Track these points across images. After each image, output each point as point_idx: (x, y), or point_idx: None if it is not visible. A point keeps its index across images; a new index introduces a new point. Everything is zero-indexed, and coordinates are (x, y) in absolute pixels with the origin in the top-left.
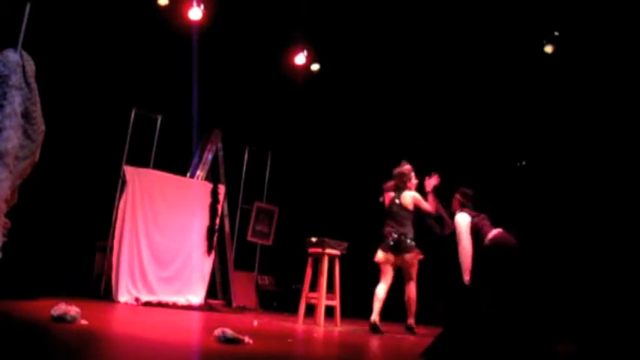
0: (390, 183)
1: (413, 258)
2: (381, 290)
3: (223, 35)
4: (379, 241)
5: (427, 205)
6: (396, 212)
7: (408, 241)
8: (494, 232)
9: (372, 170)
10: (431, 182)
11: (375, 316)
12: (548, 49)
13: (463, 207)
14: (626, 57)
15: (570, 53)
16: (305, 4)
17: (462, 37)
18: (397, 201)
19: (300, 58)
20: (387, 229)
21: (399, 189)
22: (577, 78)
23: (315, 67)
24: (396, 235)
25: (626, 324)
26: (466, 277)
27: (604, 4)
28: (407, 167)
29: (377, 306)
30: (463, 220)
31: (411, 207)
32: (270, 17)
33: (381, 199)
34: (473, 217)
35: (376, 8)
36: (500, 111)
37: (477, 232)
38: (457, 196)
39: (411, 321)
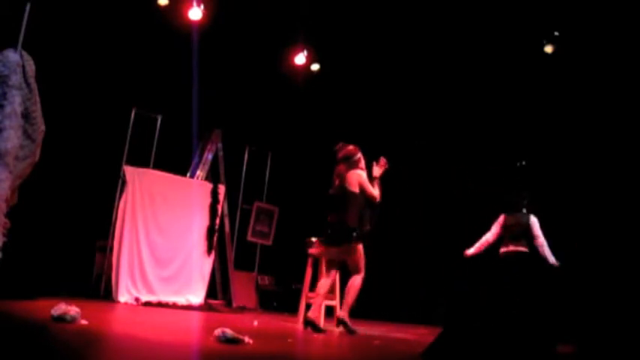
0: (338, 169)
1: (354, 249)
2: (321, 286)
3: (223, 35)
4: (379, 241)
5: (374, 191)
6: (338, 196)
7: (351, 229)
8: None
9: (371, 169)
10: (379, 168)
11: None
12: (548, 49)
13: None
14: (626, 57)
15: (570, 53)
16: (305, 4)
17: (462, 36)
18: (342, 184)
19: (300, 58)
20: (329, 216)
21: (345, 172)
22: (577, 78)
23: (315, 67)
24: (337, 222)
25: (626, 324)
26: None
27: (604, 4)
28: (350, 146)
29: (317, 301)
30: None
31: (355, 188)
32: (270, 17)
33: (331, 192)
34: None
35: (376, 8)
36: (500, 111)
37: None
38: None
39: (344, 314)
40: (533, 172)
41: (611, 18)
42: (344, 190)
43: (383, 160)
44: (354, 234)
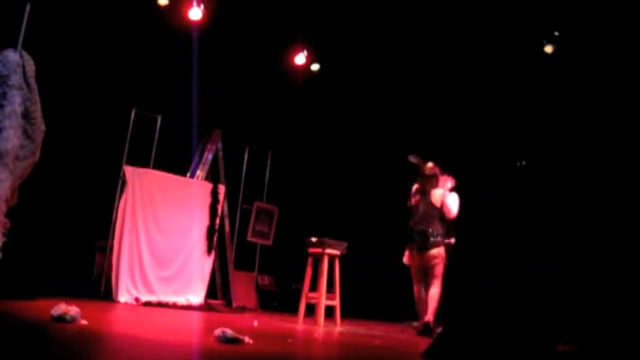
0: (422, 185)
1: (437, 256)
2: (417, 292)
3: (223, 35)
4: (380, 241)
5: (453, 209)
6: (423, 209)
7: (433, 237)
8: None
9: (372, 170)
10: (449, 185)
11: (428, 317)
12: (548, 49)
13: None
14: (626, 57)
15: (570, 53)
16: (305, 4)
17: (463, 37)
18: (426, 198)
19: (300, 58)
20: (414, 226)
21: (430, 188)
22: (577, 78)
23: (315, 67)
24: (421, 231)
25: (626, 325)
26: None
27: (604, 4)
28: (431, 166)
29: (420, 308)
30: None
31: (439, 205)
32: (270, 17)
33: (409, 203)
34: None
35: (376, 8)
36: (500, 111)
37: None
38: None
39: (430, 318)
40: (533, 172)
41: (611, 18)
42: (429, 205)
43: (451, 179)
44: (438, 237)
